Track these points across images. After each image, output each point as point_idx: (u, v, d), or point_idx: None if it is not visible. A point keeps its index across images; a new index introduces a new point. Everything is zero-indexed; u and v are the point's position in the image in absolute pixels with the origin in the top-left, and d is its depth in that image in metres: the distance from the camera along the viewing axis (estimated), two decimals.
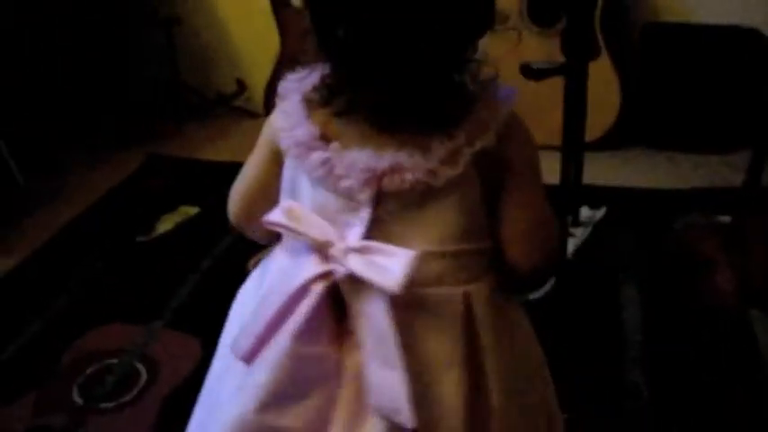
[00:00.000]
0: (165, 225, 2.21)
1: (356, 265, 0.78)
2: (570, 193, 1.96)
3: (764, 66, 2.35)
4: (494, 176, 0.83)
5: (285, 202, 0.86)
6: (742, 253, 1.91)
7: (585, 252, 1.99)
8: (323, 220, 0.82)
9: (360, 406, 0.83)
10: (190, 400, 1.52)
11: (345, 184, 0.80)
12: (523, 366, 0.91)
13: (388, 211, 0.81)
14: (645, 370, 1.60)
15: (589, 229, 2.08)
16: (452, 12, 0.76)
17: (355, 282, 0.79)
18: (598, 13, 2.38)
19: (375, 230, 0.81)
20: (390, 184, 0.78)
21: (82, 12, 2.58)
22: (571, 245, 1.99)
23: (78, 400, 1.56)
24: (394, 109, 0.79)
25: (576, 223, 2.09)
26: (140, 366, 1.63)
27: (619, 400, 1.53)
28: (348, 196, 0.81)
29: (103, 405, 1.54)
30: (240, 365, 0.86)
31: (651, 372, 1.59)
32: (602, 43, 2.40)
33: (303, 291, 0.81)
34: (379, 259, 0.78)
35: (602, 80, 2.41)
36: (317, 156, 0.81)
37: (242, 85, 2.95)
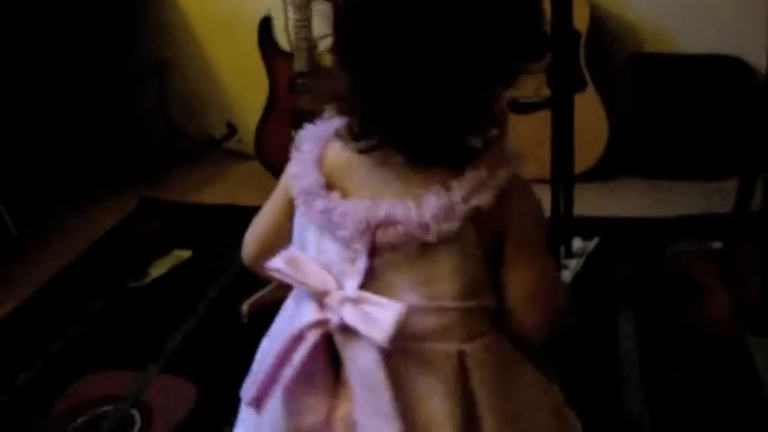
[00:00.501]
0: (159, 269, 2.21)
1: (349, 315, 0.81)
2: (561, 226, 1.97)
3: (748, 93, 2.37)
4: (495, 235, 0.83)
5: (288, 250, 0.88)
6: (736, 279, 1.91)
7: (579, 283, 1.99)
8: (325, 269, 0.85)
9: None
10: None
11: (342, 233, 0.82)
12: (529, 426, 0.90)
13: (385, 262, 0.82)
14: (644, 399, 1.59)
15: (582, 260, 2.08)
16: (472, 71, 0.77)
17: (348, 331, 0.82)
18: (582, 46, 2.41)
19: (372, 281, 0.82)
20: (384, 236, 0.80)
21: (73, 57, 2.60)
22: (565, 276, 1.99)
23: None
24: (409, 151, 0.81)
25: (569, 255, 2.09)
26: (134, 413, 1.62)
27: (620, 430, 1.52)
28: (346, 245, 0.83)
29: None
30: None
31: (651, 400, 1.58)
32: (587, 76, 2.43)
33: (299, 338, 0.84)
34: (370, 310, 0.79)
35: (590, 112, 2.43)
36: (319, 203, 0.84)
37: (232, 128, 2.97)
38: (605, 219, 2.29)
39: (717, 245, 2.09)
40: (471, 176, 0.80)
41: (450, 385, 0.83)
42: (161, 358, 1.80)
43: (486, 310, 0.86)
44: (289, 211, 0.91)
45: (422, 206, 0.79)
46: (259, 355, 1.01)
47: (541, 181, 1.96)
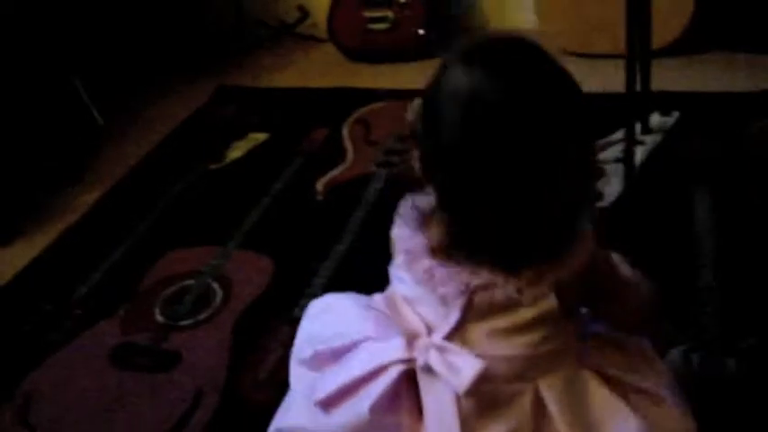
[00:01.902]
0: (236, 152, 2.27)
1: (434, 360, 0.89)
2: (637, 101, 1.91)
3: None
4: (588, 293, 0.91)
5: (388, 292, 0.99)
6: None
7: (656, 158, 1.95)
8: (418, 315, 0.94)
9: None
10: (263, 316, 1.60)
11: (442, 291, 0.89)
12: None
13: (474, 319, 0.89)
14: (717, 274, 1.57)
15: (660, 136, 2.03)
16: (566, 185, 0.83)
17: (430, 372, 0.90)
18: None
19: (459, 333, 0.90)
20: (481, 298, 0.87)
21: None
22: (640, 152, 1.94)
23: (160, 318, 1.64)
24: (508, 255, 0.87)
25: (647, 130, 2.04)
26: (215, 286, 1.70)
27: (692, 304, 1.51)
28: (443, 303, 0.90)
29: (183, 323, 1.62)
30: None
31: (724, 276, 1.56)
32: None
33: (384, 368, 0.93)
34: (454, 360, 0.88)
35: None
36: (423, 263, 0.90)
37: (304, 12, 2.95)
38: (687, 94, 2.21)
39: None
40: (556, 261, 0.87)
41: (523, 423, 0.90)
42: (240, 235, 1.87)
43: (557, 351, 0.92)
44: None
45: (516, 277, 0.86)
46: (307, 341, 1.06)
47: (617, 56, 1.92)
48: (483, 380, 0.87)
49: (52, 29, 2.28)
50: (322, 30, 2.84)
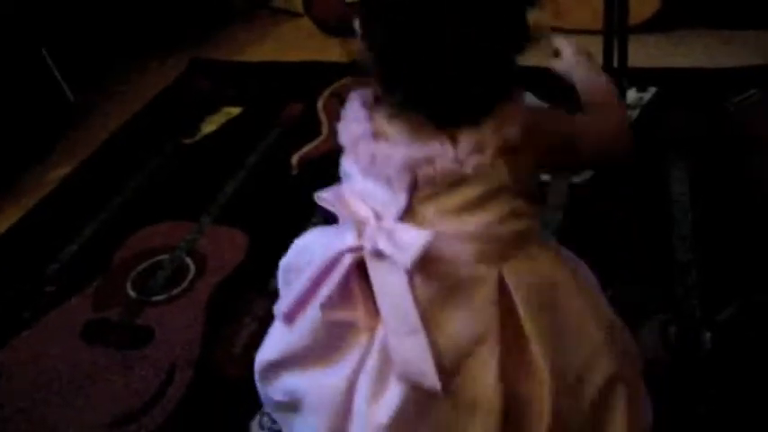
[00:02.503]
0: (210, 126, 2.23)
1: (382, 242, 0.86)
2: (613, 76, 1.89)
3: None
4: (544, 150, 0.88)
5: (337, 187, 0.96)
6: None
7: (635, 133, 1.94)
8: (367, 203, 0.91)
9: (384, 374, 0.89)
10: (238, 290, 1.58)
11: (386, 173, 0.87)
12: (579, 337, 0.92)
13: (422, 198, 0.87)
14: (694, 248, 1.57)
15: (636, 111, 2.03)
16: (488, 35, 0.81)
17: (380, 257, 0.87)
18: None
19: (409, 215, 0.88)
20: (424, 173, 0.85)
21: None
22: None
23: (132, 293, 1.61)
24: (442, 105, 0.85)
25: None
26: (189, 260, 1.68)
27: (668, 278, 1.51)
28: (389, 184, 0.87)
29: (156, 298, 1.59)
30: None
31: (700, 249, 1.56)
32: None
33: (335, 261, 0.91)
34: (402, 237, 0.85)
35: None
36: (365, 148, 0.88)
37: None
38: (664, 69, 2.20)
39: None
40: (498, 114, 0.85)
41: (486, 309, 0.87)
42: (214, 209, 1.84)
43: (526, 230, 0.90)
44: None
45: (456, 143, 0.84)
46: (282, 273, 1.07)
47: (594, 32, 1.91)
48: (437, 260, 0.86)
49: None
50: (297, 4, 2.80)
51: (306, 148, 1.98)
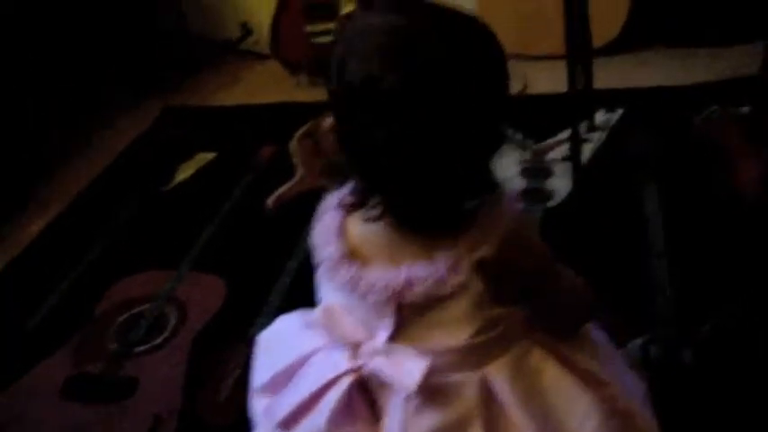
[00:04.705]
0: (185, 173, 2.24)
1: (380, 365, 0.90)
2: (580, 100, 1.93)
3: None
4: (507, 274, 0.87)
5: (324, 303, 0.97)
6: (765, 140, 1.87)
7: (603, 155, 1.97)
8: (356, 320, 0.93)
9: None
10: (218, 337, 1.58)
11: (370, 300, 0.88)
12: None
13: (410, 317, 0.89)
14: (670, 267, 1.59)
15: (605, 133, 2.05)
16: (465, 140, 0.81)
17: (380, 378, 0.90)
18: None
19: (399, 333, 0.90)
20: (407, 297, 0.86)
21: None
22: (587, 150, 1.97)
23: (114, 346, 1.60)
24: (414, 217, 0.86)
25: (593, 128, 2.06)
26: (169, 309, 1.67)
27: (643, 297, 1.53)
28: (375, 308, 0.90)
29: (138, 349, 1.58)
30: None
31: (676, 268, 1.58)
32: None
33: (334, 381, 0.93)
34: (400, 361, 0.88)
35: None
36: (344, 274, 0.89)
37: (247, 29, 2.93)
38: (630, 90, 2.24)
39: (745, 109, 2.04)
40: (475, 228, 0.85)
41: (468, 412, 0.89)
42: (192, 257, 1.84)
43: (501, 336, 0.91)
44: None
45: (434, 265, 0.85)
46: (260, 344, 1.08)
47: (559, 57, 1.94)
48: (429, 374, 0.87)
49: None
50: (265, 46, 2.82)
51: (280, 190, 1.98)
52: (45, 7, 2.45)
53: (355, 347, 0.93)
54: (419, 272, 0.86)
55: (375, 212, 0.86)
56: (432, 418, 0.89)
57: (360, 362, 0.92)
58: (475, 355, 0.90)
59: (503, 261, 0.85)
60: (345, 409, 0.92)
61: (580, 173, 1.79)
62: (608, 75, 2.29)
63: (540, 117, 2.07)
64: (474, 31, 0.83)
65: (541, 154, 1.98)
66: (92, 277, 1.86)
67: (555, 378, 0.93)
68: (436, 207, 0.86)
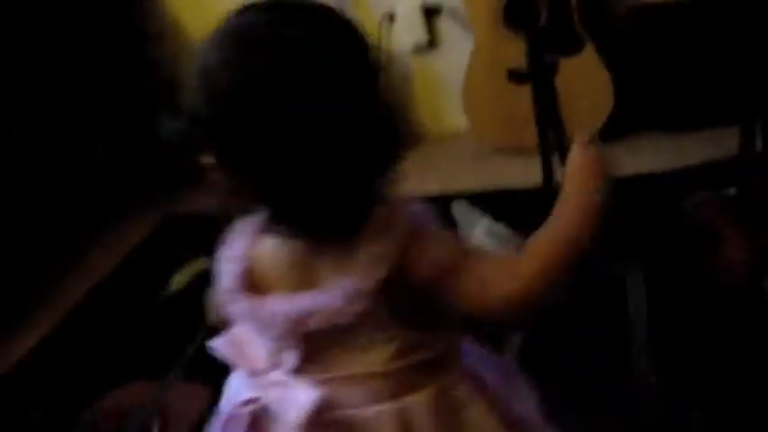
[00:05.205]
0: (180, 280, 2.27)
1: (273, 397, 0.87)
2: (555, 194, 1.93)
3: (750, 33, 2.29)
4: (423, 282, 0.84)
5: (232, 331, 0.94)
6: (752, 223, 1.86)
7: (590, 248, 1.96)
8: (261, 347, 0.90)
9: None
10: None
11: (271, 334, 0.87)
12: None
13: (320, 343, 0.86)
14: (652, 356, 1.56)
15: None
16: (348, 162, 0.79)
17: (272, 411, 0.88)
18: (575, 7, 2.37)
19: (309, 361, 0.87)
20: (308, 326, 0.84)
21: (89, 79, 2.68)
22: None
23: None
24: (308, 231, 0.84)
25: None
26: (151, 420, 1.67)
27: (626, 388, 1.50)
28: (277, 340, 0.88)
29: None
30: None
31: (658, 357, 1.55)
32: (585, 36, 2.39)
33: (235, 413, 0.90)
34: (292, 395, 0.85)
35: (592, 73, 2.40)
36: (243, 305, 0.87)
37: None
38: (618, 178, 2.24)
39: (732, 191, 2.04)
40: (374, 242, 0.83)
41: None
42: (179, 366, 1.85)
43: (426, 362, 0.88)
44: None
45: (333, 293, 0.83)
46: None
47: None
48: (331, 407, 0.84)
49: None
50: None
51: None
52: (44, 113, 2.54)
53: (259, 377, 0.90)
54: (318, 301, 0.83)
55: (280, 231, 0.85)
56: None
57: (258, 394, 0.88)
58: (392, 383, 0.86)
59: (406, 268, 0.82)
60: None
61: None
62: None
63: (526, 211, 2.07)
64: (343, 35, 0.81)
65: None
66: (84, 387, 1.88)
67: (479, 418, 0.89)
68: (325, 218, 0.83)
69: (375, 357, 0.85)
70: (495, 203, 2.21)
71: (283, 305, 0.85)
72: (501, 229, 2.08)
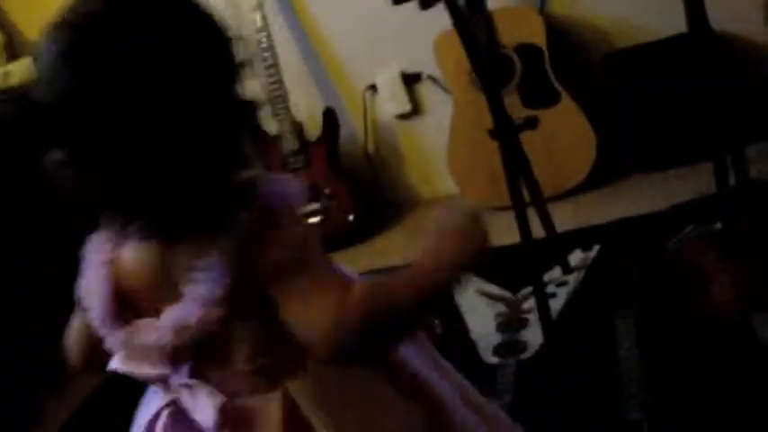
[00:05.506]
0: None
1: (185, 400, 0.89)
2: (539, 248, 1.95)
3: (728, 64, 2.32)
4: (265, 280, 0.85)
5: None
6: (737, 258, 1.86)
7: (580, 296, 1.97)
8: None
9: None
10: None
11: (152, 357, 0.87)
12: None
13: (206, 341, 0.86)
14: (644, 405, 1.56)
15: (582, 273, 2.06)
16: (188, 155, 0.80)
17: (188, 412, 0.90)
18: (547, 60, 2.42)
19: (202, 360, 0.89)
20: (182, 342, 0.85)
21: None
22: (564, 293, 1.98)
23: None
24: (152, 230, 0.84)
25: (569, 270, 2.08)
26: None
27: None
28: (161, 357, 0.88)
29: None
30: None
31: (650, 406, 1.55)
32: (560, 89, 2.43)
33: (156, 418, 0.92)
34: (198, 397, 0.88)
35: (572, 124, 2.43)
36: (117, 336, 0.88)
37: None
38: (605, 225, 2.26)
39: (718, 226, 2.04)
40: (219, 253, 0.82)
41: (278, 428, 0.88)
42: None
43: (297, 348, 0.88)
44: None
45: (192, 305, 0.83)
46: None
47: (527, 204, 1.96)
48: (225, 408, 0.86)
49: None
50: None
51: None
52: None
53: (164, 382, 0.90)
54: (179, 318, 0.83)
55: (135, 233, 0.84)
56: None
57: (173, 396, 0.90)
58: (276, 372, 0.88)
59: (249, 268, 0.82)
60: None
61: (548, 323, 1.79)
62: (585, 213, 2.34)
63: (513, 268, 2.09)
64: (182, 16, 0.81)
65: (517, 305, 2.00)
66: None
67: (364, 385, 0.92)
68: (175, 212, 0.83)
69: (247, 353, 0.87)
70: (487, 263, 2.22)
71: (150, 335, 0.85)
72: (493, 288, 2.10)
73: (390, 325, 0.86)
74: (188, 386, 0.88)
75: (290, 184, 0.89)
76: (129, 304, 0.89)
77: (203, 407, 0.87)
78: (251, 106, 0.86)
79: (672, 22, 2.29)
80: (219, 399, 0.87)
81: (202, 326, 0.83)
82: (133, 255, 0.88)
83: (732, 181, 1.85)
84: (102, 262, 0.89)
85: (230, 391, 0.88)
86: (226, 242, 0.82)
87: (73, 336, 0.97)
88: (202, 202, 0.84)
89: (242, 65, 0.85)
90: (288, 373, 0.89)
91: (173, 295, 0.85)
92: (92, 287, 0.89)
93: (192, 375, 0.89)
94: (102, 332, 0.89)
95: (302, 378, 0.89)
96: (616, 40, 2.54)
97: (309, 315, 0.83)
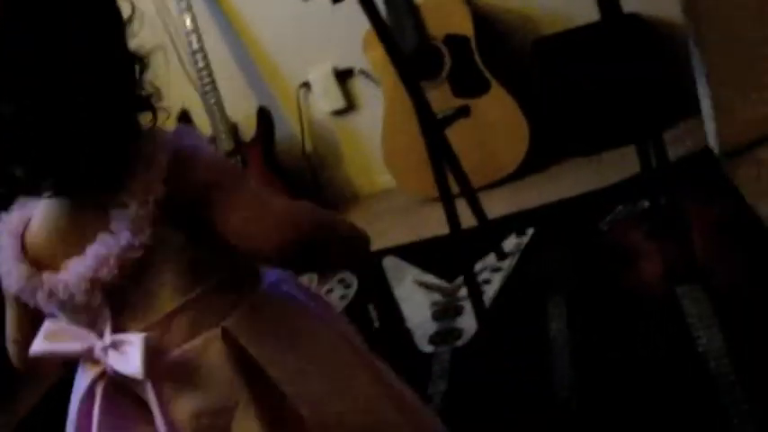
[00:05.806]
0: None
1: (113, 361, 0.85)
2: (469, 237, 1.96)
3: (648, 48, 2.36)
4: (196, 203, 0.85)
5: (43, 328, 0.90)
6: (666, 234, 1.90)
7: (513, 281, 1.99)
8: (78, 328, 0.88)
9: None
10: None
11: (75, 302, 0.85)
12: (329, 368, 0.93)
13: (123, 295, 0.85)
14: (573, 383, 1.58)
15: (516, 257, 2.09)
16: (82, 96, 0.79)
17: (120, 373, 0.85)
18: (475, 49, 2.43)
19: (122, 317, 0.86)
20: (105, 277, 0.83)
21: None
22: (498, 279, 2.00)
23: None
24: (67, 181, 0.82)
25: (503, 256, 2.10)
26: None
27: (548, 416, 1.51)
28: (86, 307, 0.86)
29: None
30: None
31: (579, 383, 1.57)
32: (489, 77, 2.45)
33: (91, 396, 0.89)
34: (125, 349, 0.84)
35: (504, 111, 2.45)
36: (41, 296, 0.86)
37: None
38: (538, 208, 2.29)
39: (646, 204, 2.08)
40: (139, 177, 0.83)
41: (219, 368, 0.86)
42: None
43: (234, 279, 0.89)
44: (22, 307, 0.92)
45: (117, 233, 0.82)
46: None
47: (456, 196, 1.98)
48: (162, 351, 0.84)
49: None
50: None
51: None
52: None
53: (90, 355, 0.87)
54: (103, 247, 0.82)
55: (42, 192, 0.82)
56: (189, 396, 0.86)
57: (101, 366, 0.87)
58: (203, 311, 0.86)
59: (178, 184, 0.82)
60: (115, 419, 0.88)
61: (481, 310, 1.80)
62: (520, 198, 2.37)
63: (448, 258, 2.10)
64: None
65: (453, 293, 2.02)
66: None
67: (308, 326, 0.92)
68: (78, 164, 0.81)
69: (174, 289, 0.85)
70: (424, 253, 2.25)
71: (73, 269, 0.84)
72: (429, 278, 2.12)
73: (330, 241, 0.90)
74: (112, 346, 0.85)
75: (205, 142, 0.90)
76: (43, 268, 0.87)
77: (129, 355, 0.83)
78: (140, 60, 0.85)
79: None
80: (141, 338, 0.83)
81: (126, 251, 0.81)
82: (42, 215, 0.87)
83: (654, 162, 1.88)
84: (15, 235, 0.88)
85: (166, 343, 0.85)
86: (144, 173, 0.82)
87: (9, 333, 0.96)
88: (108, 149, 0.82)
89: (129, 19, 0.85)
90: (221, 312, 0.87)
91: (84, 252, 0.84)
92: (8, 262, 0.87)
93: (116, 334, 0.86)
94: (24, 297, 0.87)
95: (241, 314, 0.88)
96: (544, 27, 2.56)
97: (258, 218, 0.84)
